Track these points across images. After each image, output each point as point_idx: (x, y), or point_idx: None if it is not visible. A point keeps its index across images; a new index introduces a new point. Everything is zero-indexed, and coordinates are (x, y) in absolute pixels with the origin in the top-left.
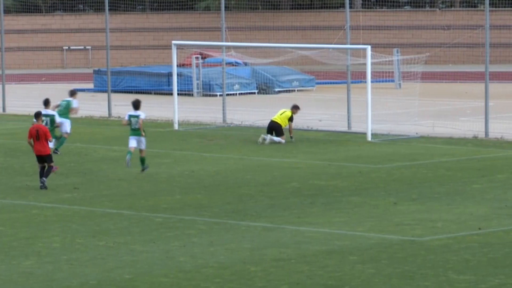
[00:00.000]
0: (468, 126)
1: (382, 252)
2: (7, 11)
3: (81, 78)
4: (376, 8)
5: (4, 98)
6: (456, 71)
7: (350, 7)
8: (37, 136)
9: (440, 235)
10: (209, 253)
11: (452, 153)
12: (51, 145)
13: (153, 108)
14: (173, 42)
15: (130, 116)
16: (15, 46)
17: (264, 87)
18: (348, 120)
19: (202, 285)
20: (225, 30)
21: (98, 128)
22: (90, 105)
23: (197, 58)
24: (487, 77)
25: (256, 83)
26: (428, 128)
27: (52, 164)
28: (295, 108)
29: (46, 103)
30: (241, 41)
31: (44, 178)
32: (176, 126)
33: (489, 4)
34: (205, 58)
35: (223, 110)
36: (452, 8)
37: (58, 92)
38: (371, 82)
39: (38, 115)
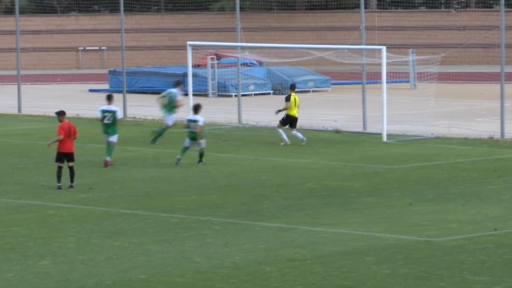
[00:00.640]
0: (483, 127)
1: (398, 252)
2: (22, 11)
3: (96, 79)
4: (391, 8)
5: (19, 98)
6: (471, 71)
7: (365, 8)
8: (69, 134)
9: (455, 236)
10: (224, 254)
11: (468, 154)
12: (114, 139)
13: None
14: (188, 42)
15: (189, 120)
16: (30, 47)
17: (279, 88)
18: (364, 120)
19: (217, 285)
20: (240, 31)
21: None
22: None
23: (212, 58)
24: (502, 77)
25: (271, 84)
26: (443, 128)
27: (72, 164)
28: (294, 87)
29: (109, 98)
30: (256, 42)
31: (72, 184)
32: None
33: (505, 4)
34: (220, 58)
35: (238, 110)
36: (468, 9)
37: (73, 93)
38: (387, 82)
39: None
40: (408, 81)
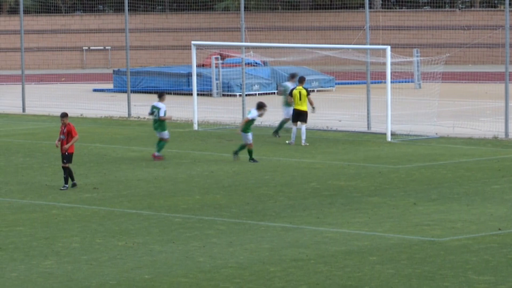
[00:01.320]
0: (488, 127)
1: (402, 252)
2: (27, 11)
3: (100, 79)
4: (395, 8)
5: (23, 98)
6: (476, 71)
7: (370, 7)
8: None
9: (459, 235)
10: (228, 253)
11: (472, 153)
12: (164, 135)
13: (172, 109)
14: (193, 42)
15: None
16: (35, 47)
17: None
18: (368, 120)
19: (221, 285)
20: (245, 31)
21: (118, 128)
22: (109, 106)
23: (216, 58)
24: (507, 77)
25: (276, 83)
26: (448, 128)
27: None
28: (303, 80)
29: (161, 95)
30: (260, 42)
31: (74, 181)
32: (195, 126)
33: (509, 4)
34: (224, 58)
35: (243, 110)
36: (472, 8)
37: (77, 93)
38: (391, 82)
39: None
40: (412, 81)
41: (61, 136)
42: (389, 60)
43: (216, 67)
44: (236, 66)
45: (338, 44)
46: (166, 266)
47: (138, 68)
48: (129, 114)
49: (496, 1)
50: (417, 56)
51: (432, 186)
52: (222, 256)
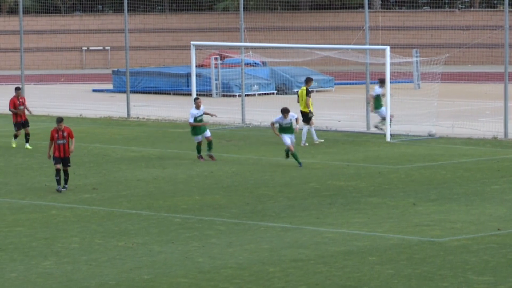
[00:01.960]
0: (487, 127)
1: (401, 253)
2: (26, 11)
3: (100, 79)
4: (395, 8)
5: None
6: (475, 71)
7: (369, 8)
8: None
9: (459, 236)
10: (228, 254)
11: (471, 153)
12: (207, 133)
13: (172, 109)
14: (192, 42)
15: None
16: (34, 47)
17: (283, 88)
18: (367, 120)
19: (220, 285)
20: (244, 31)
21: (117, 128)
22: (109, 106)
23: (216, 58)
24: (506, 77)
25: (275, 84)
26: (447, 128)
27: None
28: (309, 81)
29: (196, 100)
30: (260, 42)
31: (66, 186)
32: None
33: (509, 4)
34: (224, 58)
35: (242, 110)
36: (471, 9)
37: (76, 93)
38: (390, 82)
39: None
40: (412, 81)
41: (60, 141)
42: (388, 61)
43: (215, 67)
44: (235, 66)
45: (337, 44)
46: (165, 267)
47: (138, 68)
48: (128, 114)
49: (495, 1)
50: (417, 57)
51: (431, 186)
52: (222, 256)
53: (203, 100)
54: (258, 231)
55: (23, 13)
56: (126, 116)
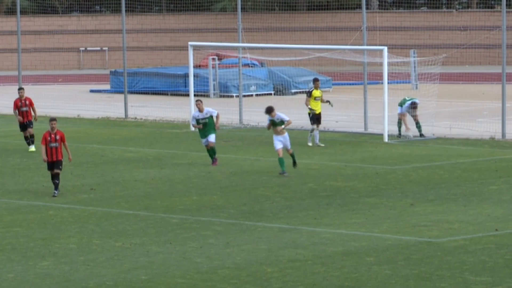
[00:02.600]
0: (485, 127)
1: (399, 253)
2: (24, 12)
3: (97, 79)
4: (392, 9)
5: None
6: (473, 72)
7: (367, 8)
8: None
9: (456, 236)
10: (225, 254)
11: (469, 154)
12: (212, 138)
13: (169, 109)
14: (190, 43)
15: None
16: (32, 47)
17: (281, 88)
18: (365, 121)
19: (218, 286)
20: (242, 31)
21: (115, 129)
22: (106, 106)
23: (213, 59)
24: (504, 78)
25: (273, 84)
26: (445, 129)
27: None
28: (316, 81)
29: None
30: (257, 42)
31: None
32: (192, 128)
33: (506, 5)
34: (221, 59)
35: (240, 111)
36: (469, 9)
37: (74, 94)
38: (388, 83)
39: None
40: (409, 82)
41: (53, 144)
42: (386, 61)
43: (213, 67)
44: (233, 66)
45: (335, 45)
46: (163, 267)
47: (135, 69)
48: (126, 115)
49: (493, 2)
50: (414, 57)
51: (429, 187)
52: (219, 257)
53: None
54: (255, 231)
55: (21, 14)
56: (123, 116)
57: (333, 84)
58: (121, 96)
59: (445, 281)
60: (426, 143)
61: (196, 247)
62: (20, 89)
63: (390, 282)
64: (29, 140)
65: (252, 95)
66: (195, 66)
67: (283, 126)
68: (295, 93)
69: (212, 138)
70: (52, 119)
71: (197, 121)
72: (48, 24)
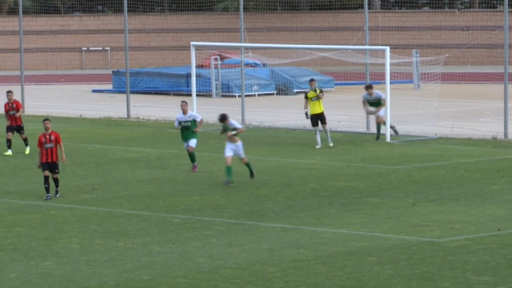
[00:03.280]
0: (487, 127)
1: (401, 253)
2: (26, 12)
3: (99, 79)
4: (395, 9)
5: (22, 99)
6: (475, 72)
7: (369, 8)
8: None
9: (458, 236)
10: (227, 254)
11: (471, 154)
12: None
13: (171, 109)
14: (192, 43)
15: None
16: (34, 47)
17: (283, 88)
18: (367, 121)
19: (220, 286)
20: (244, 31)
21: (117, 129)
22: (108, 106)
23: (215, 59)
24: (506, 78)
25: (275, 84)
26: (447, 129)
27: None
28: (310, 82)
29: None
30: (259, 42)
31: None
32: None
33: (508, 5)
34: (223, 59)
35: (242, 111)
36: (471, 9)
37: (76, 93)
38: (390, 83)
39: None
40: (411, 82)
41: (48, 145)
42: (388, 61)
43: (215, 67)
44: (235, 66)
45: (337, 44)
46: (165, 267)
47: (137, 68)
48: (128, 114)
49: (495, 2)
50: (416, 57)
51: (431, 186)
52: (221, 256)
53: (203, 100)
54: (257, 231)
55: (23, 14)
56: (126, 116)
57: (335, 84)
58: (123, 96)
59: (447, 281)
60: (428, 143)
61: (198, 247)
62: (9, 92)
63: (392, 282)
64: (10, 143)
65: (254, 95)
66: (197, 66)
67: (234, 132)
68: (297, 93)
69: (192, 143)
70: (45, 119)
71: (180, 123)
72: (50, 24)
